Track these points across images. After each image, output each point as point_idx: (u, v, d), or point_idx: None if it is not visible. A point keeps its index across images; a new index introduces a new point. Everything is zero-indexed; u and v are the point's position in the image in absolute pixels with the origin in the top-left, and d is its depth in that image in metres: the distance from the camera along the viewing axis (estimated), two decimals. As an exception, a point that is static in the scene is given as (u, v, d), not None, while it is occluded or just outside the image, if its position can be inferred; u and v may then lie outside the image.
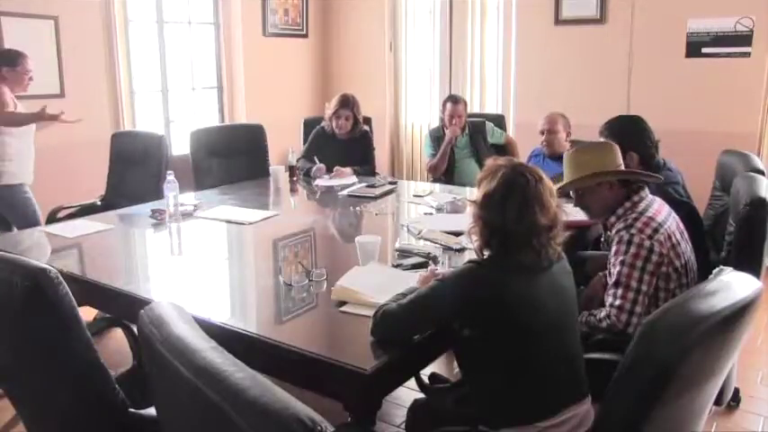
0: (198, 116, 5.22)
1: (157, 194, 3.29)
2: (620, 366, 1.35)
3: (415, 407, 1.94)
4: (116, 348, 2.55)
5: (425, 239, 2.57)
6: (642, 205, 2.10)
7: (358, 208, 3.26)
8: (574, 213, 2.70)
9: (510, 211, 1.60)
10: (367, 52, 5.80)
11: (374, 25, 5.72)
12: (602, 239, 2.96)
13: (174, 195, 2.91)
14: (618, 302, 1.98)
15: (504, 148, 4.39)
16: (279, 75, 5.59)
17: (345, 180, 3.84)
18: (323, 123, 4.24)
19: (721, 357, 1.38)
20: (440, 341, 1.78)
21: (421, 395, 2.23)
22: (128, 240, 2.88)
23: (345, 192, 3.59)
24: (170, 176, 2.93)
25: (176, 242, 2.84)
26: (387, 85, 5.79)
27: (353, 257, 2.27)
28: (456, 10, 5.44)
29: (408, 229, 2.76)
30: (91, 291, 2.16)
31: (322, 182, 3.87)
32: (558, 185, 2.27)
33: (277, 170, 4.14)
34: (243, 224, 2.90)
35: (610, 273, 2.07)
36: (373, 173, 4.21)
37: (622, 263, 2.00)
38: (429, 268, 2.07)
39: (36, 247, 2.54)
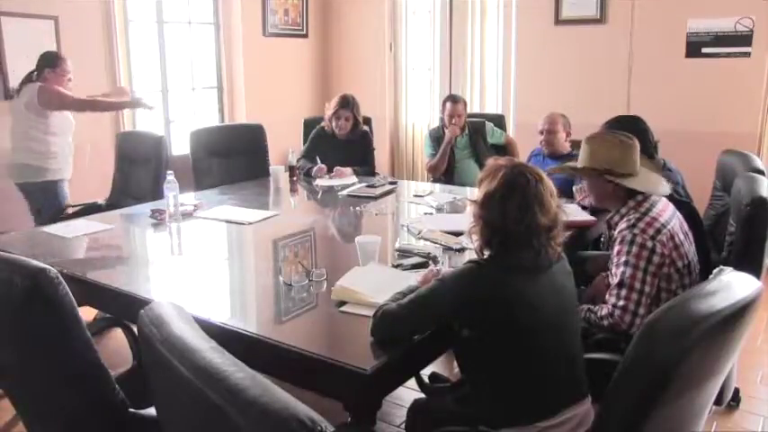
0: (198, 116, 5.22)
1: (157, 194, 3.30)
2: (620, 366, 1.35)
3: (415, 407, 1.94)
4: (116, 348, 2.54)
5: (425, 239, 2.57)
6: (646, 205, 2.10)
7: (358, 208, 3.26)
8: (574, 213, 2.71)
9: (510, 211, 1.61)
10: (367, 52, 5.80)
11: (374, 25, 5.72)
12: (603, 239, 2.97)
13: (174, 195, 2.91)
14: (621, 303, 1.98)
15: (504, 149, 4.39)
16: (279, 75, 5.59)
17: (345, 180, 3.84)
18: (323, 123, 4.24)
19: (721, 357, 1.37)
20: (440, 341, 1.78)
21: (421, 395, 2.23)
22: (128, 240, 2.88)
23: (345, 192, 3.59)
24: (170, 176, 2.93)
25: (176, 242, 2.84)
26: (387, 85, 5.79)
27: (353, 257, 2.27)
28: (456, 10, 5.44)
29: (408, 229, 2.76)
30: (91, 291, 2.16)
31: (322, 182, 3.87)
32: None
33: (277, 170, 4.14)
34: (243, 224, 2.90)
35: (612, 272, 2.07)
36: (373, 173, 4.21)
37: (626, 263, 2.01)
38: (429, 268, 2.07)
39: (36, 247, 2.53)
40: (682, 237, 2.10)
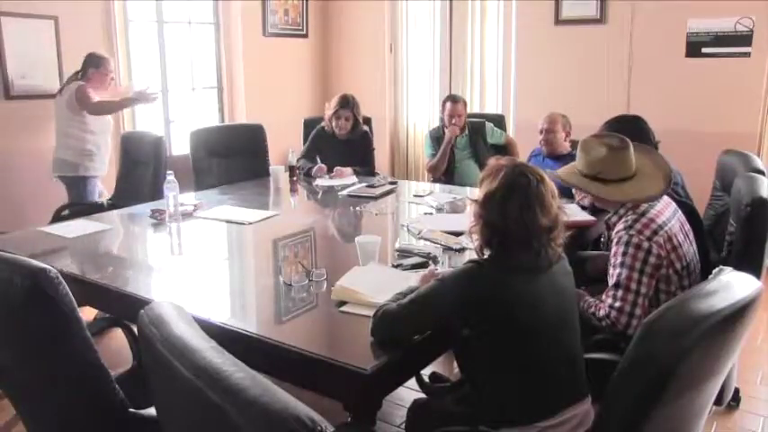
0: (198, 116, 5.22)
1: (157, 194, 3.30)
2: (620, 366, 1.35)
3: (415, 407, 1.94)
4: (116, 348, 2.55)
5: (425, 239, 2.57)
6: (644, 206, 2.09)
7: (358, 208, 3.26)
8: (574, 213, 2.71)
9: (511, 211, 1.60)
10: (367, 52, 5.80)
11: (374, 26, 5.72)
12: (603, 239, 2.96)
13: (174, 195, 2.91)
14: (618, 304, 1.98)
15: (504, 149, 4.39)
16: (279, 75, 5.59)
17: (345, 180, 3.85)
18: (323, 123, 4.24)
19: (721, 357, 1.37)
20: (440, 341, 1.78)
21: (421, 395, 2.23)
22: (128, 240, 2.88)
23: (345, 192, 3.59)
24: (170, 176, 2.93)
25: (176, 242, 2.84)
26: (387, 86, 5.79)
27: (353, 257, 2.27)
28: (456, 10, 5.44)
29: (408, 229, 2.76)
30: (91, 291, 2.16)
31: (322, 182, 3.87)
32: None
33: (277, 170, 4.14)
34: (243, 224, 2.90)
35: (609, 273, 2.07)
36: (373, 173, 4.21)
37: (622, 264, 2.00)
38: (429, 268, 2.07)
39: (36, 247, 2.53)
40: (681, 237, 2.10)
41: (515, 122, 5.13)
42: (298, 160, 4.13)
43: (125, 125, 4.57)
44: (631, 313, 1.96)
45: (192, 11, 5.16)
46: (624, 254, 2.00)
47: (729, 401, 2.59)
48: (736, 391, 2.71)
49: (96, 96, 3.89)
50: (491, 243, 1.66)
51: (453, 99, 4.32)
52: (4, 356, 1.60)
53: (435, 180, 4.27)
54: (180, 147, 4.89)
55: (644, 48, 4.54)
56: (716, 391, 1.47)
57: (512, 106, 5.21)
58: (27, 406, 1.70)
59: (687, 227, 2.18)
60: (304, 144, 4.39)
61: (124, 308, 2.09)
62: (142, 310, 1.21)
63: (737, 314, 1.31)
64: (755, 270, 2.08)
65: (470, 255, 2.27)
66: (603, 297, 2.05)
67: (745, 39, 4.23)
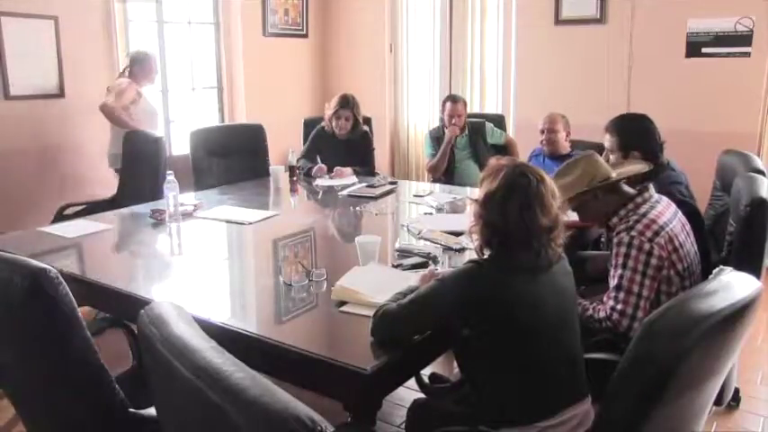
0: (198, 116, 5.22)
1: (157, 194, 3.30)
2: (620, 366, 1.35)
3: (415, 407, 1.94)
4: (116, 348, 2.54)
5: (425, 239, 2.57)
6: (645, 207, 2.09)
7: (358, 208, 3.26)
8: (574, 213, 2.70)
9: (511, 211, 1.60)
10: (367, 52, 5.80)
11: (374, 25, 5.72)
12: (603, 239, 2.96)
13: (174, 195, 2.91)
14: (619, 306, 1.98)
15: (504, 149, 4.39)
16: (279, 75, 5.59)
17: (345, 180, 3.85)
18: (323, 123, 4.24)
19: (721, 357, 1.37)
20: (440, 341, 1.78)
21: (421, 395, 2.23)
22: (128, 240, 2.88)
23: (345, 192, 3.59)
24: (170, 176, 2.92)
25: (176, 242, 2.84)
26: (387, 86, 5.79)
27: (353, 257, 2.27)
28: (456, 10, 5.44)
29: (408, 229, 2.76)
30: (91, 291, 2.16)
31: (322, 182, 3.87)
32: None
33: (277, 170, 4.14)
34: (243, 224, 2.90)
35: (611, 274, 2.06)
36: (373, 173, 4.21)
37: (624, 266, 2.00)
38: (429, 268, 2.07)
39: (36, 247, 2.53)
40: (683, 238, 2.09)
41: (515, 122, 5.13)
42: (298, 160, 4.13)
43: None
44: (633, 316, 1.96)
45: (192, 11, 5.16)
46: (626, 255, 2.00)
47: (729, 401, 2.59)
48: (736, 391, 2.71)
49: (131, 97, 4.11)
50: (491, 243, 1.66)
51: (453, 99, 4.32)
52: (3, 356, 1.60)
53: (435, 180, 4.27)
54: (180, 147, 4.89)
55: (644, 48, 4.54)
56: (716, 391, 1.47)
57: (512, 106, 5.21)
58: (27, 406, 1.70)
59: (688, 227, 2.18)
60: (304, 144, 4.39)
61: (124, 308, 2.08)
62: (142, 310, 1.21)
63: (737, 314, 1.31)
64: (755, 270, 2.07)
65: (470, 255, 2.27)
66: (605, 299, 2.04)
67: (745, 39, 4.23)
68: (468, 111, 4.47)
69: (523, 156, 4.06)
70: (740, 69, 4.26)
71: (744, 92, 4.27)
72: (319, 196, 3.73)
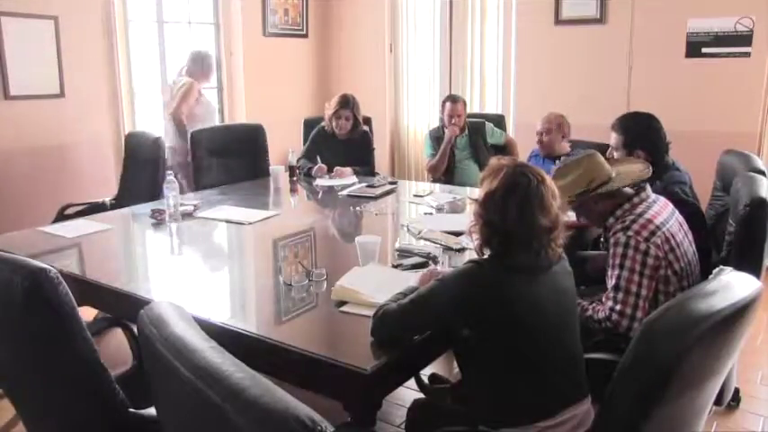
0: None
1: (157, 194, 3.30)
2: (620, 366, 1.35)
3: (415, 407, 1.94)
4: (116, 348, 2.54)
5: (425, 239, 2.57)
6: (642, 207, 2.09)
7: (358, 208, 3.26)
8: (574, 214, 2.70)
9: (510, 210, 1.60)
10: (367, 52, 5.80)
11: (374, 25, 5.72)
12: (602, 240, 2.96)
13: (174, 195, 2.91)
14: (618, 307, 1.98)
15: (504, 149, 4.39)
16: (279, 75, 5.59)
17: (345, 180, 3.85)
18: (323, 123, 4.24)
19: (721, 357, 1.37)
20: (440, 341, 1.78)
21: (421, 395, 2.23)
22: (128, 240, 2.88)
23: (345, 192, 3.59)
24: (170, 176, 2.92)
25: (176, 242, 2.84)
26: (387, 86, 5.79)
27: (353, 257, 2.27)
28: (456, 10, 5.44)
29: (408, 229, 2.76)
30: (91, 291, 2.16)
31: (322, 182, 3.87)
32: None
33: (277, 170, 4.14)
34: (243, 224, 2.90)
35: (608, 275, 2.06)
36: (373, 173, 4.21)
37: (621, 266, 2.00)
38: (429, 268, 2.07)
39: (36, 247, 2.53)
40: (680, 237, 2.09)
41: (515, 122, 5.13)
42: (298, 160, 4.13)
43: (125, 125, 4.57)
44: (633, 316, 1.96)
45: (192, 11, 5.15)
46: (623, 255, 2.00)
47: (729, 401, 2.59)
48: (736, 391, 2.71)
49: (190, 103, 4.34)
50: (491, 242, 1.66)
51: (453, 99, 4.32)
52: (3, 356, 1.60)
53: (435, 180, 4.27)
54: (180, 147, 4.88)
55: (644, 48, 4.54)
56: (716, 391, 1.47)
57: (512, 106, 5.21)
58: (27, 406, 1.70)
59: (686, 227, 2.18)
60: (304, 144, 4.39)
61: (124, 308, 2.09)
62: (142, 310, 1.21)
63: (737, 314, 1.31)
64: (755, 270, 2.07)
65: (470, 255, 2.27)
66: (604, 300, 2.04)
67: (745, 39, 4.23)
68: (468, 111, 4.47)
69: (523, 156, 4.06)
70: (740, 69, 4.26)
71: (744, 92, 4.27)
72: (319, 196, 3.73)
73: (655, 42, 4.50)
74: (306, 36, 5.82)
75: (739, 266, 1.74)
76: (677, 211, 2.19)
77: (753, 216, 2.14)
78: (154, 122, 4.90)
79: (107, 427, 1.57)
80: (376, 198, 3.45)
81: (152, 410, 1.44)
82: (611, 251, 2.04)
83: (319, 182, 3.88)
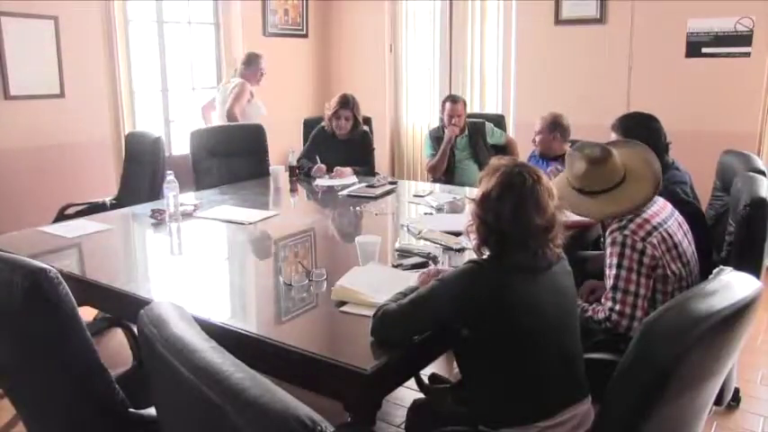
0: (198, 116, 5.21)
1: (157, 194, 3.30)
2: (620, 366, 1.35)
3: (415, 407, 1.94)
4: (116, 348, 2.54)
5: (425, 239, 2.57)
6: None
7: (358, 208, 3.26)
8: (574, 213, 2.70)
9: (504, 210, 1.60)
10: (367, 52, 5.80)
11: (374, 26, 5.72)
12: (602, 239, 2.96)
13: (174, 195, 2.91)
14: (618, 307, 1.98)
15: (504, 149, 4.38)
16: (279, 75, 5.58)
17: (345, 180, 3.85)
18: (323, 123, 4.24)
19: (721, 357, 1.37)
20: (440, 341, 1.78)
21: (421, 395, 2.23)
22: (128, 240, 2.88)
23: (345, 192, 3.59)
24: (170, 176, 2.92)
25: (176, 242, 2.84)
26: (387, 86, 5.79)
27: (353, 257, 2.27)
28: (456, 10, 5.44)
29: (408, 229, 2.76)
30: (91, 291, 2.16)
31: (322, 182, 3.87)
32: (595, 216, 2.23)
33: (277, 170, 4.13)
34: (243, 224, 2.90)
35: (606, 275, 2.06)
36: (373, 173, 4.21)
37: (618, 266, 2.00)
38: (429, 268, 2.07)
39: (36, 247, 2.53)
40: (679, 237, 2.09)
41: (515, 122, 5.13)
42: (298, 160, 4.13)
43: (125, 125, 4.57)
44: (632, 316, 1.96)
45: (192, 11, 5.16)
46: (620, 255, 2.00)
47: (729, 401, 2.59)
48: (736, 391, 2.71)
49: (242, 102, 4.51)
50: (488, 242, 1.66)
51: (453, 99, 4.32)
52: (3, 356, 1.60)
53: (435, 180, 4.27)
54: (180, 147, 4.88)
55: (644, 48, 4.54)
56: (716, 391, 1.47)
57: (512, 106, 5.21)
58: (27, 406, 1.70)
59: (686, 227, 2.18)
60: (304, 144, 4.39)
61: (124, 308, 2.08)
62: (142, 310, 1.21)
63: (737, 314, 1.31)
64: (755, 270, 2.07)
65: (470, 255, 2.27)
66: (603, 300, 2.04)
67: (745, 39, 4.23)
68: (468, 111, 4.47)
69: (523, 156, 4.06)
70: (740, 69, 4.26)
71: (744, 92, 4.27)
72: (319, 196, 3.73)
73: (655, 42, 4.50)
74: (306, 36, 5.82)
75: (739, 266, 1.74)
76: (677, 211, 2.19)
77: (753, 216, 2.14)
78: (154, 122, 4.91)
79: (107, 427, 1.58)
80: (376, 198, 3.45)
81: (152, 410, 1.44)
82: (609, 251, 2.05)
83: (319, 182, 3.88)
